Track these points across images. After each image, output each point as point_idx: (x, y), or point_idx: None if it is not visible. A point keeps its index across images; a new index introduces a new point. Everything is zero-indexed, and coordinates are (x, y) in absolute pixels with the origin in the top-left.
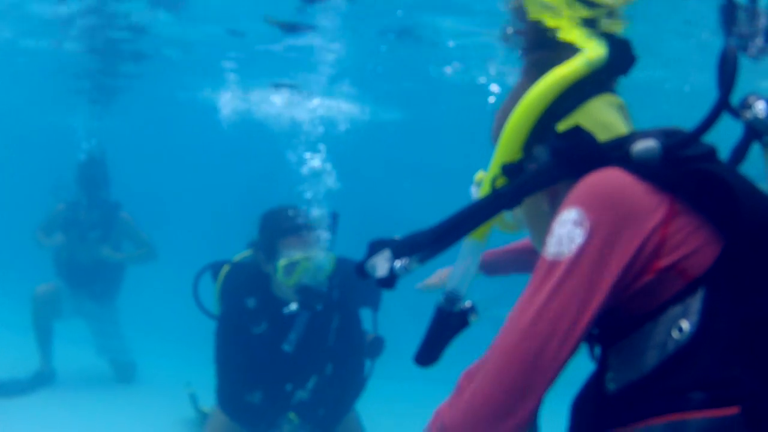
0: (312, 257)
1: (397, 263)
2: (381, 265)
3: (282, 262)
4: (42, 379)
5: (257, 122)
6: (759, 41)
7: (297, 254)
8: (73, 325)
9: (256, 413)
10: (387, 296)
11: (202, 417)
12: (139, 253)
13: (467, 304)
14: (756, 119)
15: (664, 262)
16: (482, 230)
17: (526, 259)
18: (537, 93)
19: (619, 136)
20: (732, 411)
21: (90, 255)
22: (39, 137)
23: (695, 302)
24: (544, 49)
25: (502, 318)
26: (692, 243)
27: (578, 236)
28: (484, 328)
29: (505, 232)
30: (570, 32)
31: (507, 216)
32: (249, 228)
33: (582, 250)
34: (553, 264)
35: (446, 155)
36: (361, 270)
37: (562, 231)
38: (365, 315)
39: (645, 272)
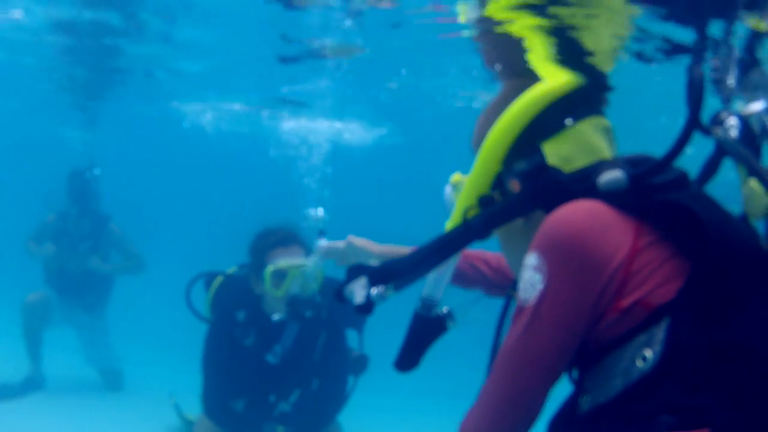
0: (300, 266)
1: (374, 290)
2: (358, 292)
3: (269, 268)
4: (32, 385)
5: (248, 136)
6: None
7: (284, 262)
8: (63, 332)
9: (240, 421)
10: (380, 313)
11: (187, 425)
12: (128, 265)
13: (444, 309)
14: (725, 140)
15: (626, 301)
16: None
17: (490, 280)
18: (520, 107)
19: (585, 167)
20: None
21: (80, 265)
22: (31, 147)
23: (659, 331)
24: (520, 76)
25: (479, 321)
26: (657, 277)
27: (538, 282)
28: (461, 337)
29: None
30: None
31: None
32: (239, 245)
33: (542, 297)
34: (522, 310)
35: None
36: (340, 295)
37: (526, 276)
38: (351, 333)
39: (608, 311)
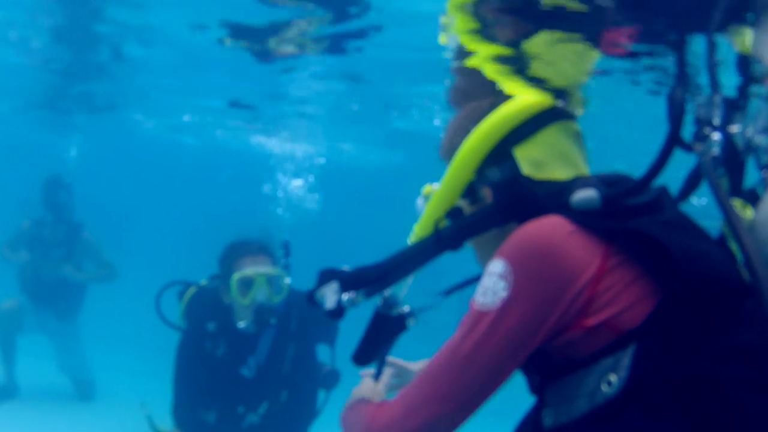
0: (265, 273)
1: (345, 296)
2: (329, 296)
3: (236, 276)
4: (5, 393)
5: (221, 148)
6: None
7: (250, 270)
8: (36, 340)
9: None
10: (350, 326)
11: None
12: (100, 273)
13: (405, 308)
14: (702, 164)
15: (592, 320)
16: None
17: None
18: (499, 118)
19: (560, 181)
20: None
21: (53, 273)
22: (6, 153)
23: (626, 357)
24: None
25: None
26: (624, 300)
27: (502, 290)
28: (429, 349)
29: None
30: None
31: None
32: (211, 254)
33: (505, 305)
34: (480, 314)
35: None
36: (311, 298)
37: (488, 282)
38: (324, 348)
39: (572, 328)
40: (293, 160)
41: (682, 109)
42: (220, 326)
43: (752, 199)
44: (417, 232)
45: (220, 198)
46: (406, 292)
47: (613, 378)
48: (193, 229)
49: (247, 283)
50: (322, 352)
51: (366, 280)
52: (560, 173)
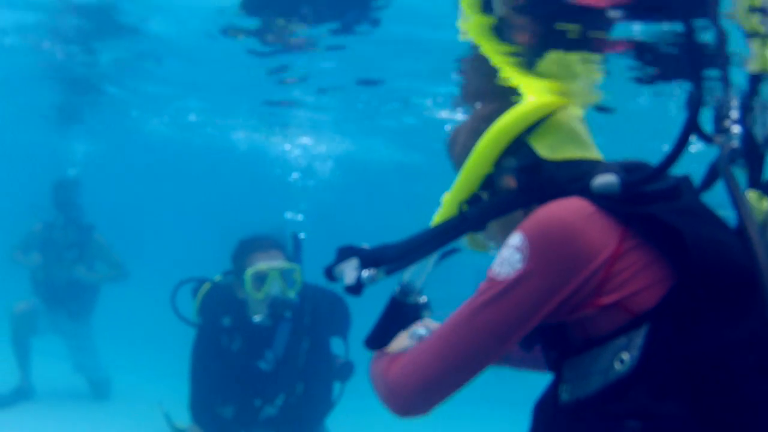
0: (278, 268)
1: (365, 273)
2: (349, 273)
3: (249, 271)
4: (21, 394)
5: (231, 148)
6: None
7: (263, 264)
8: (51, 341)
9: (229, 427)
10: (363, 315)
11: None
12: (112, 274)
13: (423, 299)
14: (719, 160)
15: (606, 299)
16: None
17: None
18: (515, 117)
19: (581, 161)
20: None
21: (66, 274)
22: (17, 156)
23: (638, 337)
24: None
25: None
26: (639, 282)
27: (517, 261)
28: None
29: (474, 250)
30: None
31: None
32: (223, 250)
33: (518, 276)
34: (494, 282)
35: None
36: (329, 274)
37: (506, 253)
38: (337, 341)
39: (586, 306)
40: (303, 156)
41: (700, 96)
42: (236, 321)
43: None
44: (437, 219)
45: (230, 194)
46: (423, 281)
47: (625, 356)
48: (203, 226)
49: (260, 278)
50: (336, 345)
51: (387, 257)
52: (574, 152)
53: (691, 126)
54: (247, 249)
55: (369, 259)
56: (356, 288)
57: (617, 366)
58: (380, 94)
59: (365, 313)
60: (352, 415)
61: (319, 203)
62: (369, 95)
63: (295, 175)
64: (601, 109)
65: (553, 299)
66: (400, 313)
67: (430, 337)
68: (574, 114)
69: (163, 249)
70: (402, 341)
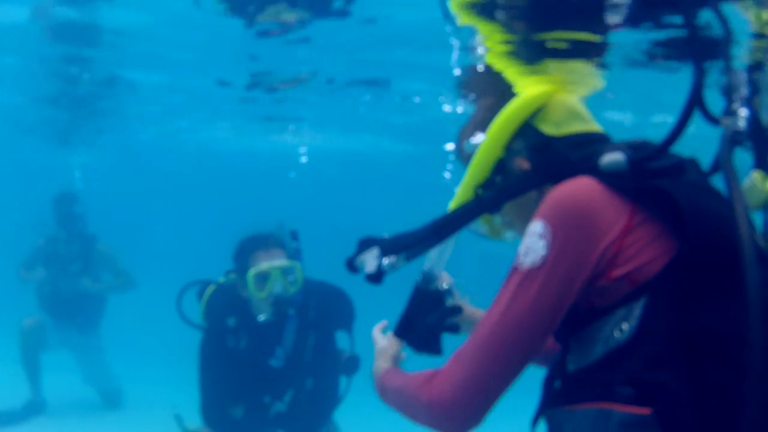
0: (280, 267)
1: (385, 260)
2: (369, 261)
3: (251, 271)
4: (33, 409)
5: (230, 152)
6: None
7: (265, 264)
8: (60, 354)
9: (240, 427)
10: (369, 314)
11: None
12: (118, 283)
13: (445, 285)
14: (735, 132)
15: (618, 271)
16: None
17: None
18: (524, 102)
19: (588, 136)
20: (646, 411)
21: (72, 287)
22: (17, 174)
23: (638, 308)
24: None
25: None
26: (646, 255)
27: (542, 248)
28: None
29: (491, 237)
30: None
31: (495, 219)
32: (225, 255)
33: (545, 262)
34: (525, 273)
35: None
36: (350, 265)
37: (529, 242)
38: (343, 335)
39: (601, 278)
40: (293, 153)
41: (702, 73)
42: (240, 320)
43: None
44: (455, 203)
45: (228, 196)
46: (443, 268)
47: (624, 326)
48: (205, 229)
49: (263, 278)
50: (341, 340)
51: (406, 244)
52: (578, 126)
53: (693, 102)
54: (248, 248)
55: (389, 247)
56: (377, 276)
57: (617, 335)
58: (374, 90)
59: (369, 308)
60: (358, 411)
61: (316, 198)
62: (360, 90)
63: (292, 173)
64: None
65: (580, 277)
66: (424, 300)
67: (473, 344)
68: (572, 96)
69: (167, 255)
70: (389, 347)
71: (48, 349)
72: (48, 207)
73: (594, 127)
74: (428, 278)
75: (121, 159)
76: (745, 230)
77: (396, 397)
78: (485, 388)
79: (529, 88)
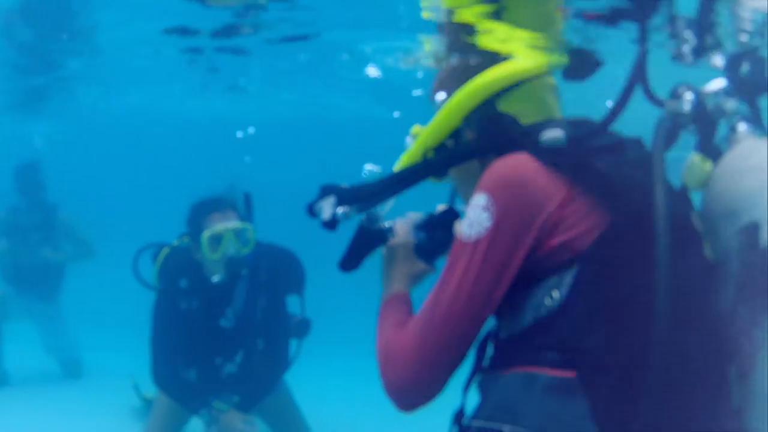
0: (233, 228)
1: (340, 209)
2: (326, 209)
3: (206, 233)
4: None
5: (177, 117)
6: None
7: (219, 226)
8: (21, 325)
9: (192, 389)
10: (323, 281)
11: (147, 404)
12: (78, 251)
13: (387, 224)
14: (680, 113)
15: (556, 240)
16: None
17: None
18: (491, 79)
19: (535, 122)
20: (570, 374)
21: (34, 257)
22: None
23: (568, 276)
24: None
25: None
26: (581, 226)
27: (486, 220)
28: None
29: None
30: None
31: None
32: (179, 220)
33: (491, 233)
34: (467, 245)
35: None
36: (310, 210)
37: (473, 215)
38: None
39: (540, 248)
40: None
41: (645, 52)
42: (193, 282)
43: (717, 155)
44: (404, 161)
45: (184, 161)
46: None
47: (555, 294)
48: (163, 195)
49: (216, 239)
50: (293, 304)
51: (360, 196)
52: (538, 117)
53: (634, 80)
54: (201, 211)
55: (344, 196)
56: (331, 223)
57: (547, 302)
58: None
59: (320, 273)
60: (310, 374)
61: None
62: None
63: (239, 134)
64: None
65: (523, 247)
66: (367, 238)
67: (417, 318)
68: (549, 83)
69: (126, 223)
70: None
71: (10, 320)
72: (8, 177)
73: (556, 116)
74: (372, 218)
75: (81, 127)
76: (661, 207)
77: (379, 325)
78: (435, 363)
79: (511, 61)
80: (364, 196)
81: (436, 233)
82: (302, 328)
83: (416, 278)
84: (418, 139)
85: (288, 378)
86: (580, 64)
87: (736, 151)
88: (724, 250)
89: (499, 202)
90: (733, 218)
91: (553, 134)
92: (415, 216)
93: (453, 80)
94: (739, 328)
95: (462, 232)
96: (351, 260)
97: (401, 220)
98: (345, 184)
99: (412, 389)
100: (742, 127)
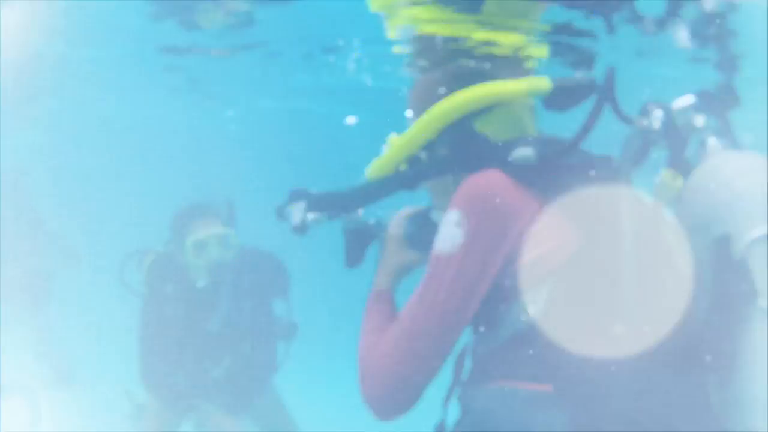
0: (217, 234)
1: (310, 216)
2: (296, 214)
3: (190, 239)
4: None
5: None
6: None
7: (203, 232)
8: (12, 332)
9: (179, 393)
10: (306, 288)
11: (140, 409)
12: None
13: (372, 221)
14: (650, 130)
15: (528, 256)
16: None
17: None
18: (471, 97)
19: (506, 140)
20: (547, 388)
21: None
22: None
23: (543, 293)
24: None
25: None
26: (553, 241)
27: (458, 236)
28: None
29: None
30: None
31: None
32: (163, 227)
33: (463, 248)
34: (441, 260)
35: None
36: (279, 213)
37: (446, 231)
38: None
39: (513, 263)
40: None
41: (613, 71)
42: (178, 287)
43: (688, 170)
44: (376, 168)
45: (166, 168)
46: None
47: (531, 310)
48: (148, 203)
49: (201, 245)
50: (279, 308)
51: (331, 204)
52: (513, 135)
53: (603, 100)
54: (185, 218)
55: (315, 203)
56: (300, 228)
57: (523, 318)
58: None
59: (305, 276)
60: (299, 377)
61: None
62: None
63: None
64: None
65: (494, 262)
66: (357, 236)
67: (395, 327)
68: (527, 104)
69: (113, 233)
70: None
71: None
72: None
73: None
74: (351, 220)
75: (66, 136)
76: (628, 225)
77: (364, 322)
78: (409, 376)
79: (492, 84)
80: (336, 204)
81: (429, 224)
82: (289, 331)
83: (407, 268)
84: (391, 148)
85: (276, 380)
86: (563, 95)
87: (706, 165)
88: (697, 262)
89: (471, 219)
90: (705, 231)
91: (523, 152)
92: (411, 209)
93: (425, 95)
94: (714, 338)
95: (436, 247)
96: (351, 258)
97: (396, 213)
98: (315, 189)
99: (387, 400)
100: (712, 141)
